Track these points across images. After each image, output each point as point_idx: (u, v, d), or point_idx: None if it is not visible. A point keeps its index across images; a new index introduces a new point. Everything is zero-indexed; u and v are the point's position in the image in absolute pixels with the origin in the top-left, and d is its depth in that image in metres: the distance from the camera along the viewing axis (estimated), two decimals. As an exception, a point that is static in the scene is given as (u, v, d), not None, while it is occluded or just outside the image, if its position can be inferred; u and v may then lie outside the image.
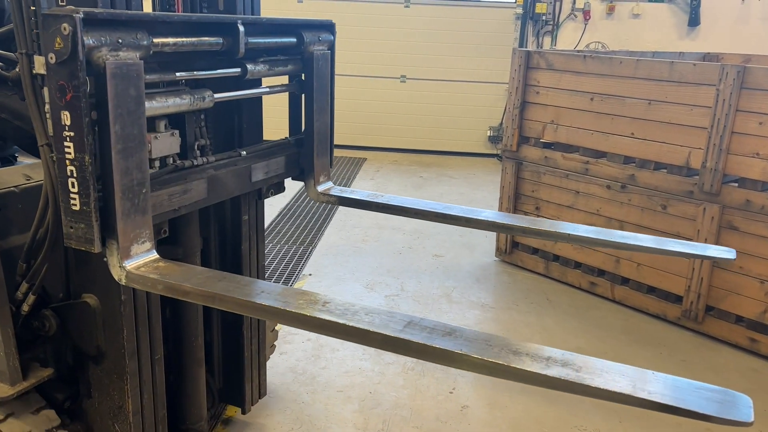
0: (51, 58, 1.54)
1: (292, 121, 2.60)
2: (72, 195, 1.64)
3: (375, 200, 2.40)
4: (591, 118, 4.20)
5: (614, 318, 4.01)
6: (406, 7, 8.31)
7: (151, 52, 1.75)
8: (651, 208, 3.95)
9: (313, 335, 3.58)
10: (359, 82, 8.57)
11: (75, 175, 1.62)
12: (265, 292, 1.65)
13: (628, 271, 4.11)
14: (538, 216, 4.58)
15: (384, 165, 8.00)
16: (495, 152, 8.57)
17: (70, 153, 1.60)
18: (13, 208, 2.08)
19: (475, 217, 2.32)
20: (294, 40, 2.31)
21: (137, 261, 1.75)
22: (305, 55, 2.35)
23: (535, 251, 4.65)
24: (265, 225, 5.31)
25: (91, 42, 1.57)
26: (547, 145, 4.51)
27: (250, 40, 2.07)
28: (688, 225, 3.78)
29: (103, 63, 1.59)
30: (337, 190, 2.51)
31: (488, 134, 8.55)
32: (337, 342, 3.52)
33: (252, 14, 2.46)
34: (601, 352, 3.55)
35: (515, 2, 8.14)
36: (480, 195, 6.80)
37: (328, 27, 2.53)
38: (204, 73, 2.02)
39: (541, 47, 8.12)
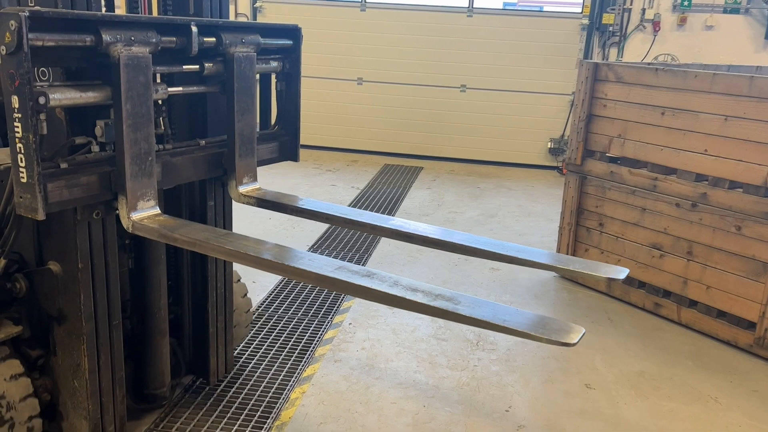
0: (2, 50, 1.78)
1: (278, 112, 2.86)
2: (20, 169, 1.87)
3: (289, 203, 2.53)
4: (661, 133, 4.04)
5: (680, 342, 3.84)
6: (469, 16, 8.26)
7: (159, 48, 2.09)
8: (724, 228, 3.77)
9: (367, 344, 3.57)
10: (418, 90, 8.57)
11: (22, 151, 1.84)
12: (235, 241, 2.02)
13: (696, 294, 3.93)
14: (602, 233, 4.44)
15: (440, 174, 7.95)
16: (555, 164, 8.40)
17: (18, 132, 1.84)
18: (7, 181, 2.32)
19: (381, 225, 2.42)
20: (213, 39, 2.35)
21: (142, 214, 2.11)
22: (226, 56, 2.40)
23: (596, 268, 4.50)
24: (321, 232, 5.36)
25: (108, 39, 1.94)
26: (613, 160, 4.37)
27: (204, 39, 2.29)
28: (764, 248, 3.58)
29: (117, 55, 1.97)
30: (260, 193, 2.59)
31: (549, 146, 8.39)
32: (391, 353, 3.50)
33: (220, 18, 2.61)
34: (666, 377, 3.39)
35: (581, 13, 7.97)
36: (539, 207, 6.66)
37: (287, 32, 2.67)
38: (161, 68, 2.24)
39: (607, 59, 7.91)
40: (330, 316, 3.86)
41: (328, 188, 6.94)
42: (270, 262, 1.91)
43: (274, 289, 4.19)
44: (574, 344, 1.59)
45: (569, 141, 4.64)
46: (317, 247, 5.07)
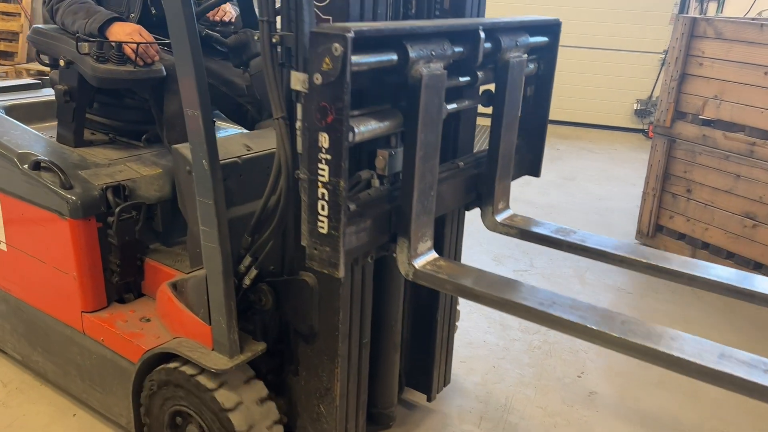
0: (317, 78, 1.42)
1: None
2: (321, 218, 1.53)
3: (566, 238, 2.01)
4: (763, 94, 3.75)
5: (770, 317, 3.63)
6: (554, -32, 7.86)
7: (452, 61, 1.70)
8: (828, 199, 3.49)
9: (438, 303, 3.57)
10: (498, 48, 8.29)
11: (326, 198, 1.50)
12: (557, 304, 1.58)
13: (791, 268, 3.69)
14: (689, 200, 4.22)
15: (518, 135, 7.74)
16: (641, 127, 8.00)
17: (324, 176, 1.49)
18: (234, 178, 2.03)
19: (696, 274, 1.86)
20: (490, 44, 1.87)
21: (421, 259, 1.76)
22: (498, 63, 1.93)
23: (681, 237, 4.30)
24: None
25: (413, 55, 1.55)
26: (707, 123, 4.11)
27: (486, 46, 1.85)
28: None
29: (419, 75, 1.57)
30: (518, 221, 2.13)
31: (635, 107, 7.98)
32: (462, 312, 3.49)
33: (478, 14, 2.16)
34: (756, 351, 3.22)
35: (678, -37, 7.44)
36: (623, 172, 6.40)
37: (545, 27, 2.15)
38: (462, 79, 1.84)
39: (705, 14, 7.38)
40: (402, 274, 3.88)
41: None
42: (616, 339, 1.51)
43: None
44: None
45: (659, 102, 4.38)
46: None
